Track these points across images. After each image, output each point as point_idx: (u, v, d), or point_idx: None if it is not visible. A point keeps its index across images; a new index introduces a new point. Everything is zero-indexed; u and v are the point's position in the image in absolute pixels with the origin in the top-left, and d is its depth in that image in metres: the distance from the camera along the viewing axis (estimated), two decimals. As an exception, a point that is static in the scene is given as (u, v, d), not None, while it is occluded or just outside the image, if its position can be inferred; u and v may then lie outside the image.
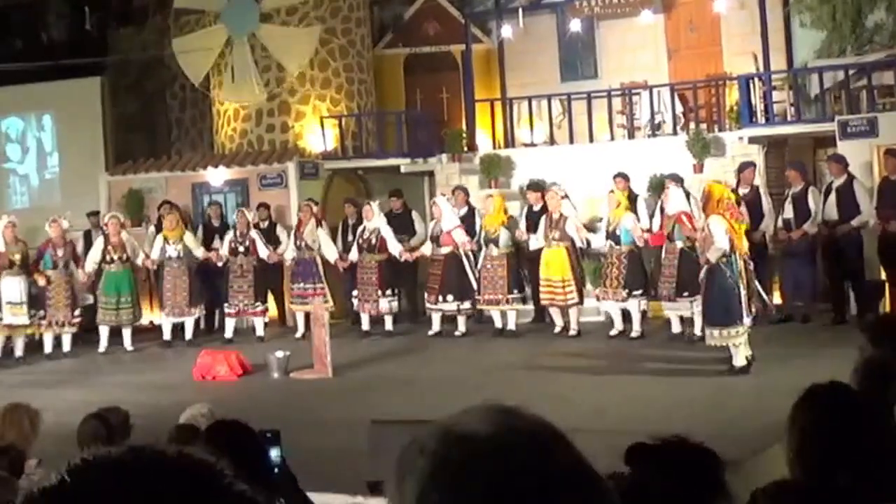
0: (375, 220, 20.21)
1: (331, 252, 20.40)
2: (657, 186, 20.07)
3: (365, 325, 20.16)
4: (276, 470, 5.16)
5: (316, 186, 22.89)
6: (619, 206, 18.57)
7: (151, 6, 27.76)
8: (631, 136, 22.46)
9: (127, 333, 20.17)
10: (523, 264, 19.73)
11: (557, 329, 19.12)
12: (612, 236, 18.51)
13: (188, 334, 20.38)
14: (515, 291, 19.31)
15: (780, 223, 18.79)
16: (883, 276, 18.07)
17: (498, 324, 19.50)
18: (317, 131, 24.04)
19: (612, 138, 22.39)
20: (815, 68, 21.39)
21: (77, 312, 19.96)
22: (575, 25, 23.77)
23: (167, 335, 20.37)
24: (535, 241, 19.13)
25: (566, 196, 19.25)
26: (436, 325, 19.74)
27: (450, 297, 19.50)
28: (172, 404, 10.91)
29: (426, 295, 20.01)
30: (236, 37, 24.04)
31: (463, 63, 25.04)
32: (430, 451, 1.63)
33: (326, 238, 20.56)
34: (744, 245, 14.74)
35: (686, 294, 17.15)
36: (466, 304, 19.55)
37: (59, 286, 19.73)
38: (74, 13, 28.63)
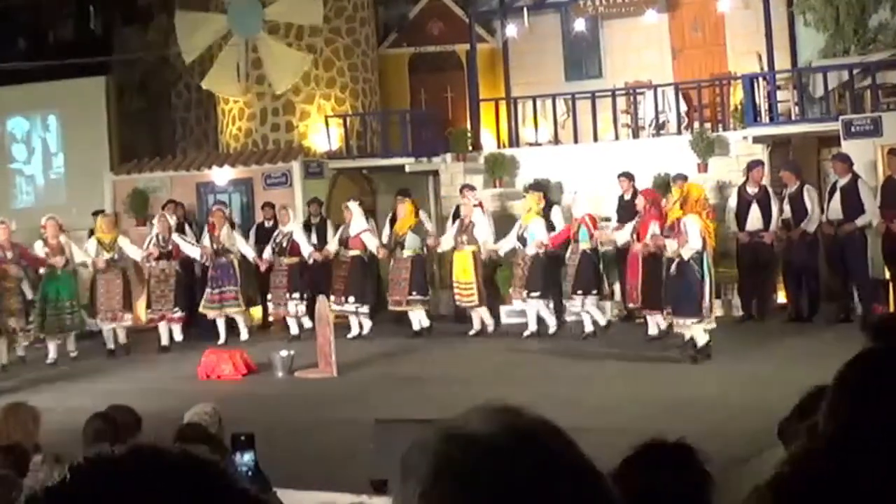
0: (290, 224, 20.35)
1: (248, 252, 20.27)
2: (661, 186, 20.10)
3: (294, 330, 20.13)
4: (249, 474, 5.15)
5: (321, 186, 22.91)
6: (529, 211, 19.14)
7: (156, 6, 27.78)
8: (635, 135, 22.46)
9: (71, 339, 19.38)
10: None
11: (473, 331, 19.49)
12: (521, 240, 19.04)
13: (176, 336, 20.04)
14: (415, 293, 19.60)
15: (779, 223, 18.80)
16: (887, 275, 18.07)
17: (416, 326, 19.73)
18: (321, 130, 24.05)
19: (617, 138, 22.40)
20: (819, 68, 21.37)
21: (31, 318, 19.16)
22: (579, 25, 23.78)
23: (110, 344, 19.55)
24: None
25: (480, 204, 19.98)
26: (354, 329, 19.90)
27: (351, 299, 19.81)
28: (178, 403, 10.93)
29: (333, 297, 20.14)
30: (236, 34, 24.05)
31: (467, 62, 25.06)
32: (432, 453, 1.63)
33: (241, 240, 20.46)
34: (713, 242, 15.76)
35: (580, 292, 18.18)
36: (365, 308, 19.88)
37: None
38: (79, 13, 28.71)
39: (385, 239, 20.07)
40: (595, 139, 22.32)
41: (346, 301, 19.81)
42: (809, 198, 18.57)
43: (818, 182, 20.56)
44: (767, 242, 18.85)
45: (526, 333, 18.84)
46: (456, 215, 20.29)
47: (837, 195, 18.28)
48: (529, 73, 24.85)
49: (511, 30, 23.98)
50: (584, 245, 18.37)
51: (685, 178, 18.93)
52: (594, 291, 18.34)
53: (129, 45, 27.60)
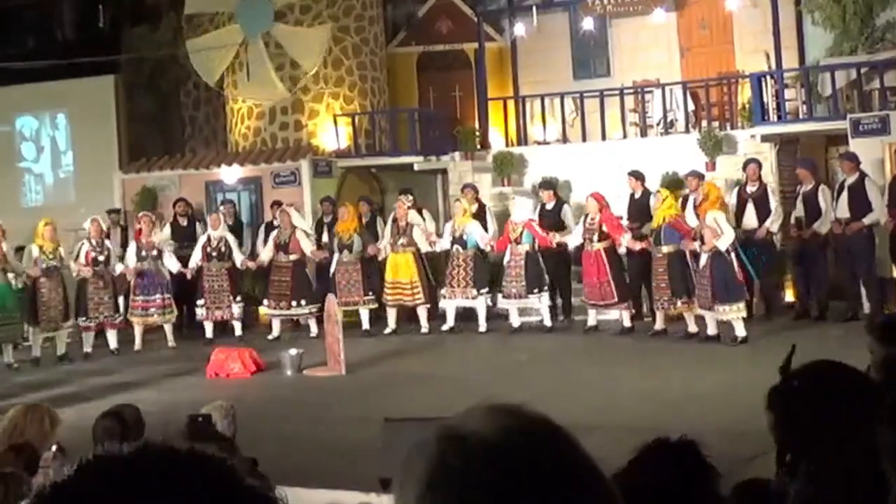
0: (221, 229, 20.37)
1: (172, 265, 20.00)
2: (670, 184, 20.13)
3: (209, 333, 20.12)
4: None
5: (329, 184, 22.93)
6: (464, 213, 19.79)
7: (165, 4, 27.79)
8: (643, 134, 22.46)
9: (9, 350, 18.73)
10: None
11: (388, 330, 19.84)
12: (459, 241, 19.64)
13: (176, 337, 19.92)
14: (371, 294, 20.00)
15: (792, 221, 18.80)
16: (895, 273, 18.06)
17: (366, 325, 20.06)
18: (330, 129, 24.05)
19: (625, 136, 22.40)
20: (826, 66, 21.35)
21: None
22: (588, 24, 23.75)
23: (36, 351, 18.96)
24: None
25: (413, 206, 20.48)
26: (314, 329, 20.05)
27: (303, 302, 20.03)
28: (188, 401, 10.96)
29: (266, 301, 20.30)
30: (250, 36, 24.06)
31: (476, 61, 25.07)
32: (429, 455, 1.63)
33: (169, 251, 20.15)
34: None
35: (536, 291, 19.00)
36: (314, 308, 20.02)
37: None
38: (88, 12, 28.71)
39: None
40: (603, 138, 22.33)
41: (299, 304, 20.02)
42: (824, 198, 18.52)
43: (826, 181, 20.56)
44: (760, 238, 18.85)
45: (444, 327, 19.58)
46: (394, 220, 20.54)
47: (845, 194, 18.27)
48: (538, 71, 24.86)
49: (519, 28, 23.98)
50: (527, 247, 19.03)
51: (699, 175, 19.12)
52: (545, 289, 19.12)
53: (138, 44, 27.59)
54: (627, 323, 18.54)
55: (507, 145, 23.48)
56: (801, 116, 21.13)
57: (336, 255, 20.10)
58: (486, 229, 19.86)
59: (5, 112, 27.26)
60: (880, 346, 6.11)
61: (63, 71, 25.13)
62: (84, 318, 19.24)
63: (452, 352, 18.17)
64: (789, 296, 19.46)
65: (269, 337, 19.85)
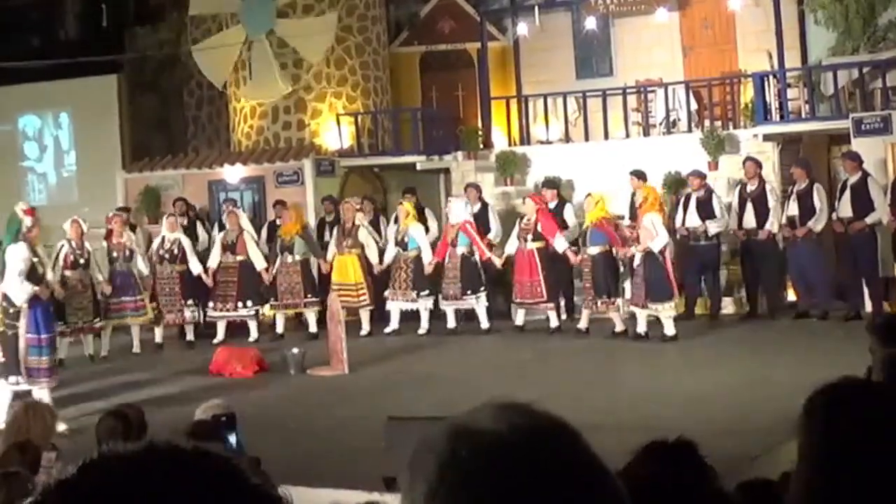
0: (177, 232, 20.33)
1: (143, 268, 19.75)
2: (672, 184, 20.15)
3: (158, 338, 19.97)
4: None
5: (332, 184, 22.94)
6: (408, 216, 19.98)
7: (168, 4, 27.82)
8: (646, 133, 22.44)
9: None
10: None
11: (364, 332, 19.82)
12: (401, 244, 19.89)
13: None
14: (310, 296, 20.04)
15: (783, 220, 18.81)
16: (896, 273, 18.10)
17: (313, 328, 20.05)
18: (333, 129, 24.07)
19: (628, 136, 22.38)
20: (829, 66, 21.36)
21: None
22: (590, 23, 23.75)
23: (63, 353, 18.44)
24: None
25: (360, 209, 20.54)
26: (279, 327, 20.28)
27: (249, 303, 20.02)
28: (191, 400, 10.97)
29: (212, 303, 20.17)
30: (254, 36, 24.07)
31: (478, 61, 25.07)
32: (439, 451, 1.62)
33: (141, 253, 19.95)
34: None
35: (470, 292, 19.35)
36: (266, 309, 20.27)
37: None
38: (91, 11, 28.73)
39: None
40: (606, 137, 22.31)
41: (245, 305, 19.99)
42: (819, 197, 18.56)
43: (828, 180, 20.58)
44: (763, 239, 18.89)
45: (387, 329, 19.64)
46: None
47: (848, 193, 18.28)
48: (540, 71, 24.87)
49: (522, 28, 23.98)
50: (463, 249, 19.36)
51: (702, 174, 19.23)
52: (482, 289, 19.41)
53: (141, 44, 27.65)
54: (555, 322, 18.95)
55: (509, 145, 23.46)
56: (803, 116, 21.13)
57: (278, 258, 20.13)
58: (489, 229, 19.93)
59: (8, 111, 27.29)
60: (881, 347, 6.13)
61: (66, 70, 25.16)
62: (62, 323, 18.08)
63: (453, 352, 18.16)
64: (791, 295, 19.47)
65: (214, 341, 19.47)
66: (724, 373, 14.59)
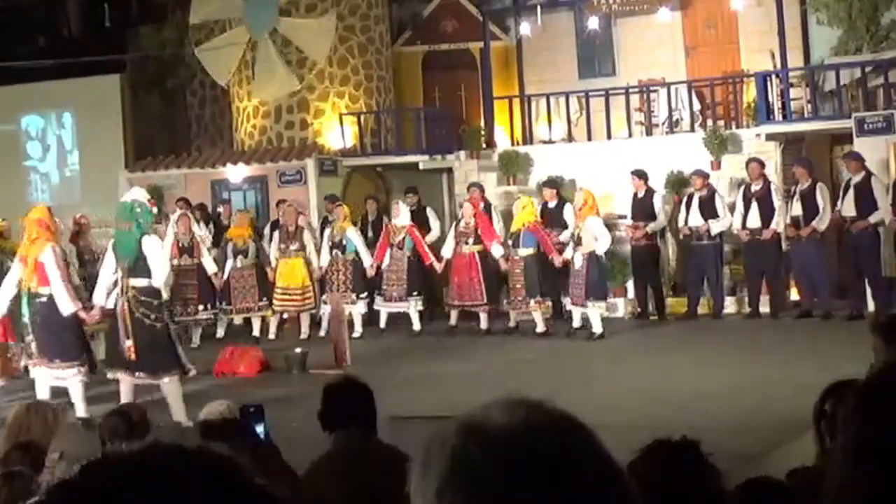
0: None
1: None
2: (675, 183, 20.16)
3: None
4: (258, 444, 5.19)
5: (335, 183, 22.95)
6: (344, 219, 20.05)
7: (171, 3, 27.82)
8: (648, 133, 22.46)
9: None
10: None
11: (303, 335, 19.82)
12: (338, 246, 19.91)
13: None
14: (265, 299, 19.97)
15: (788, 220, 18.81)
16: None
17: (256, 332, 20.05)
18: (336, 128, 24.08)
19: (630, 135, 22.40)
20: (831, 65, 21.35)
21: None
22: (593, 23, 23.77)
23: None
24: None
25: (302, 212, 20.68)
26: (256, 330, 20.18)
27: (209, 306, 19.89)
28: (194, 400, 10.97)
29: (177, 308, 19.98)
30: (258, 35, 24.08)
31: (481, 60, 25.09)
32: (450, 446, 1.63)
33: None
34: None
35: (415, 293, 19.69)
36: (221, 312, 20.19)
37: None
38: (94, 11, 28.76)
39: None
40: (608, 137, 22.31)
41: (206, 308, 19.85)
42: (822, 196, 18.55)
43: (831, 179, 20.58)
44: (767, 239, 18.90)
45: (355, 335, 19.23)
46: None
47: (851, 192, 18.27)
48: (543, 70, 24.88)
49: (525, 28, 24.02)
50: (408, 253, 19.64)
51: (704, 174, 19.26)
52: (417, 293, 19.73)
53: (144, 43, 27.64)
54: (485, 325, 19.40)
55: (512, 144, 23.47)
56: (806, 115, 21.16)
57: (230, 261, 19.97)
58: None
59: (11, 111, 27.29)
60: (885, 346, 6.12)
61: (69, 70, 25.17)
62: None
63: (454, 352, 18.14)
64: (794, 294, 19.47)
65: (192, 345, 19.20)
66: (727, 372, 14.57)
